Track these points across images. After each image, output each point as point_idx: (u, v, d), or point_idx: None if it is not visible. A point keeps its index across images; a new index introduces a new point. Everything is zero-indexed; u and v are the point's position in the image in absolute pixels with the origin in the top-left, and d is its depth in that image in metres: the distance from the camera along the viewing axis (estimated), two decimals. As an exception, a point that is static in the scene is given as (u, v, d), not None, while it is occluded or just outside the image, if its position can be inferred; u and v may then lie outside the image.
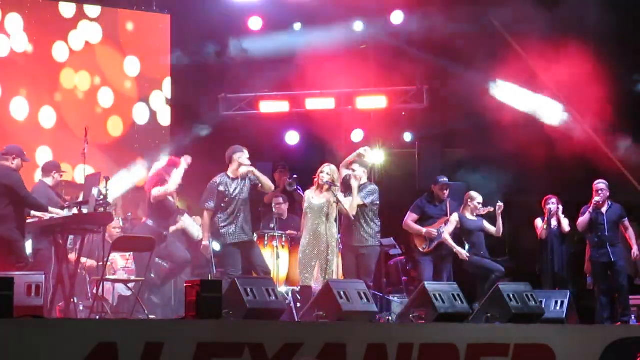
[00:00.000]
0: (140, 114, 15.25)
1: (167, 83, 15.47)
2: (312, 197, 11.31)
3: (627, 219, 12.72)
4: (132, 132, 15.16)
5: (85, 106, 14.62)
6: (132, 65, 15.27)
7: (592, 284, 12.92)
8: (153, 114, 15.33)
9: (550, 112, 14.89)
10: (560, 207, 12.93)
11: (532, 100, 14.98)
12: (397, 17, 15.58)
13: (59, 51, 14.74)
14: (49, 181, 11.38)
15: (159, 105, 15.38)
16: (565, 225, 12.86)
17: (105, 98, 15.01)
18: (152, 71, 15.44)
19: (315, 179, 11.41)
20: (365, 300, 9.56)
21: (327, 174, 11.34)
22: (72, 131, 14.22)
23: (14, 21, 14.41)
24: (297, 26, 15.89)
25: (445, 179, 13.00)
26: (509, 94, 15.03)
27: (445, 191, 12.91)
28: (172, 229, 13.17)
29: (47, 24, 14.68)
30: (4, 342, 6.98)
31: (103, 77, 15.01)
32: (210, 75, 15.29)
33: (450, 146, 16.39)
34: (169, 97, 15.43)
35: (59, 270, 10.61)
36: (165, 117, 15.45)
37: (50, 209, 10.74)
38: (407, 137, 16.50)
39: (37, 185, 11.37)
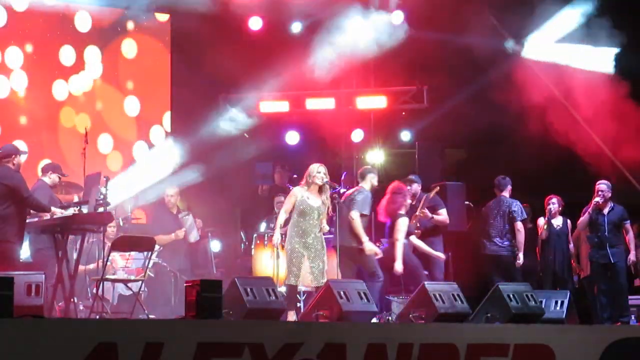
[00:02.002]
0: (139, 152, 15.21)
1: (167, 117, 15.46)
2: (308, 198, 11.14)
3: (629, 222, 12.70)
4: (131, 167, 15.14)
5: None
6: (132, 105, 15.26)
7: (577, 283, 13.00)
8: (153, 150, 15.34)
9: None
10: (568, 222, 12.99)
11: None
12: (397, 17, 15.57)
13: (59, 90, 14.72)
14: (47, 181, 11.39)
15: (159, 141, 15.31)
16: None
17: (105, 145, 14.97)
18: (152, 107, 15.42)
19: (310, 180, 11.22)
20: (365, 300, 9.56)
21: (325, 174, 11.27)
22: (72, 170, 14.00)
23: (14, 55, 14.41)
24: (297, 26, 15.89)
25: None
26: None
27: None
28: (180, 232, 13.22)
29: (47, 61, 14.68)
30: (4, 342, 6.97)
31: (102, 121, 14.91)
32: (210, 76, 15.29)
33: (450, 146, 16.39)
34: (169, 130, 15.38)
35: (59, 270, 10.61)
36: (164, 154, 15.38)
37: (52, 209, 10.75)
38: (407, 137, 16.50)
39: (37, 184, 11.37)
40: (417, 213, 12.71)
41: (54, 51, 14.77)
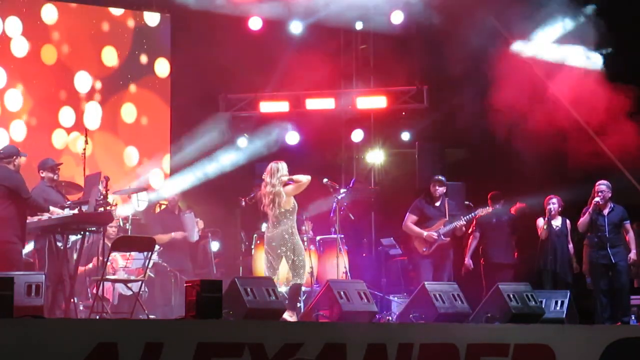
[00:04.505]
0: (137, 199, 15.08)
1: (166, 159, 15.37)
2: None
3: (629, 221, 12.69)
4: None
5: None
6: (131, 155, 15.18)
7: (591, 284, 12.95)
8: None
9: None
10: (568, 222, 13.01)
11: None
12: (397, 17, 15.57)
13: (58, 139, 14.63)
14: (45, 180, 11.38)
15: (158, 183, 15.16)
16: None
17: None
18: (151, 154, 15.31)
19: (285, 180, 11.28)
20: (365, 300, 9.57)
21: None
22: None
23: (14, 97, 14.37)
24: (297, 26, 15.90)
25: (439, 176, 12.97)
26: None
27: (437, 187, 12.82)
28: (179, 233, 13.22)
29: (47, 113, 14.61)
30: (4, 342, 6.97)
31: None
32: (210, 76, 15.29)
33: (450, 146, 16.39)
34: (168, 172, 15.22)
35: (59, 270, 10.60)
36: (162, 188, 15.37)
37: (51, 209, 10.73)
38: (407, 137, 16.50)
39: (37, 185, 11.35)
40: (459, 223, 12.70)
41: (54, 108, 14.68)
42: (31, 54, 14.60)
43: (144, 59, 15.47)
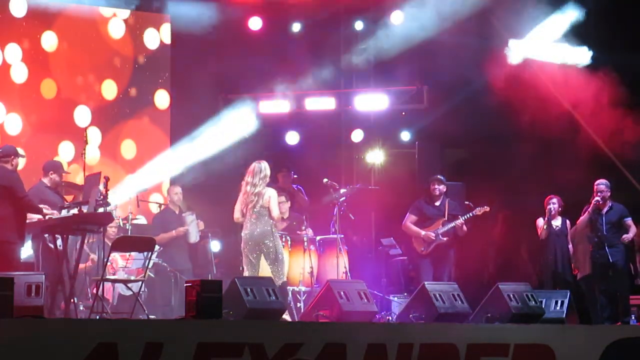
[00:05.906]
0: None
1: (165, 183, 15.28)
2: None
3: (629, 218, 12.70)
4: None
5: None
6: (132, 183, 15.00)
7: (573, 283, 13.04)
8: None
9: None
10: (567, 222, 13.03)
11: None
12: (397, 17, 15.56)
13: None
14: (46, 181, 11.36)
15: (156, 207, 14.94)
16: None
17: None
18: (151, 181, 15.21)
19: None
20: (365, 300, 9.57)
21: None
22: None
23: (13, 122, 14.31)
24: (297, 26, 15.90)
25: (438, 175, 13.01)
26: None
27: (435, 186, 12.86)
28: (181, 229, 13.22)
29: (45, 140, 14.49)
30: (4, 342, 6.97)
31: None
32: (210, 76, 15.28)
33: (450, 146, 16.39)
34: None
35: (59, 270, 10.60)
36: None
37: (45, 210, 10.70)
38: (407, 137, 16.50)
39: (34, 186, 11.34)
40: (458, 222, 12.72)
41: (53, 142, 14.57)
42: (31, 83, 14.48)
43: (143, 91, 15.39)
